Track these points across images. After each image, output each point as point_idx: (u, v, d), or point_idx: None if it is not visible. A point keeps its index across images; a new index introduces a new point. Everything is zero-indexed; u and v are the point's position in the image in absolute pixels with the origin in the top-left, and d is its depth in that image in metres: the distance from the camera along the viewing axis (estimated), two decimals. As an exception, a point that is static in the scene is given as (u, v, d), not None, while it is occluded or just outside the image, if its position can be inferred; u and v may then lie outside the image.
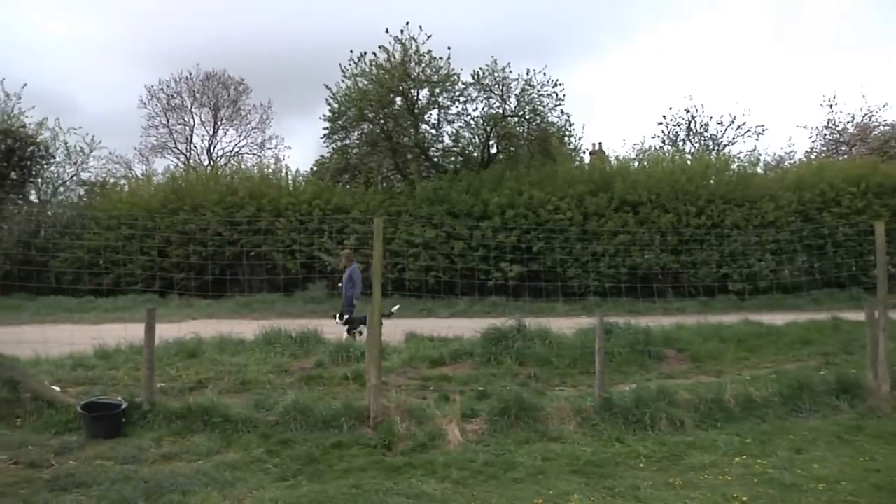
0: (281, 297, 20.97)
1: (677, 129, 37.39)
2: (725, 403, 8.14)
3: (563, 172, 24.54)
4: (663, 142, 36.89)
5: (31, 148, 26.69)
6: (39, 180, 27.87)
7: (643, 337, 11.38)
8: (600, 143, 31.80)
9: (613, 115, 69.76)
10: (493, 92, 24.88)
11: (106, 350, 11.18)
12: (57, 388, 8.17)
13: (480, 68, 24.62)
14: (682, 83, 69.54)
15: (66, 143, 28.41)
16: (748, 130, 36.59)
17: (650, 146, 34.68)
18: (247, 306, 19.95)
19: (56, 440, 7.03)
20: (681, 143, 36.75)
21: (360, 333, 12.69)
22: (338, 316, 13.55)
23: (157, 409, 7.63)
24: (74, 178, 29.15)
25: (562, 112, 25.87)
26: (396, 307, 14.37)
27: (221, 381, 9.40)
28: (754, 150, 36.57)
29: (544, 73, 24.87)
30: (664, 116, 38.09)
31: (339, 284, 15.08)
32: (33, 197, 28.15)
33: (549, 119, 25.83)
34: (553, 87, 24.99)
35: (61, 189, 28.86)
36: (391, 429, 7.18)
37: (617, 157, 29.69)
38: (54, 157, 28.04)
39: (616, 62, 69.43)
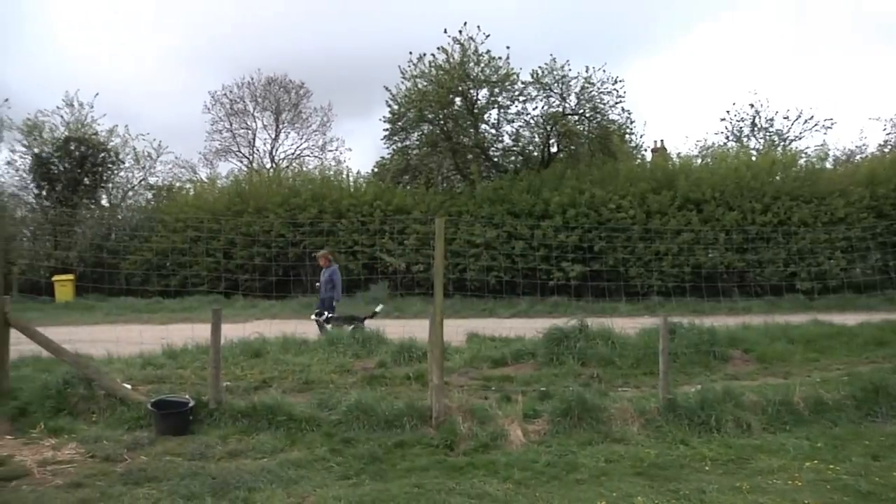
0: (343, 298, 21.17)
1: (741, 124, 36.50)
2: (794, 406, 7.91)
3: (625, 170, 24.30)
4: (727, 138, 36.08)
5: (103, 154, 27.67)
6: (110, 185, 28.80)
7: (708, 337, 11.13)
8: (662, 141, 31.56)
9: (674, 113, 68.70)
10: (552, 90, 24.75)
11: (174, 349, 11.42)
12: (128, 386, 8.41)
13: (539, 67, 24.57)
14: (745, 78, 67.99)
15: (134, 149, 29.42)
16: (816, 125, 35.40)
17: (713, 143, 33.99)
18: (309, 307, 20.06)
19: (128, 436, 7.23)
20: (745, 139, 35.83)
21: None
22: (315, 314, 13.97)
23: (223, 407, 7.77)
24: (142, 182, 30.12)
25: (622, 109, 25.59)
26: (380, 307, 14.56)
27: (285, 381, 9.51)
28: (823, 144, 35.21)
29: (604, 70, 24.72)
30: (727, 112, 37.17)
31: (317, 284, 14.98)
32: (104, 201, 29.11)
33: (610, 117, 25.57)
34: (613, 84, 24.79)
35: (130, 193, 29.82)
36: (453, 429, 7.19)
37: (679, 155, 29.24)
38: (124, 163, 29.03)
39: (673, 58, 68.33)
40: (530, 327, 12.28)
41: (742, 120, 36.49)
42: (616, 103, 25.11)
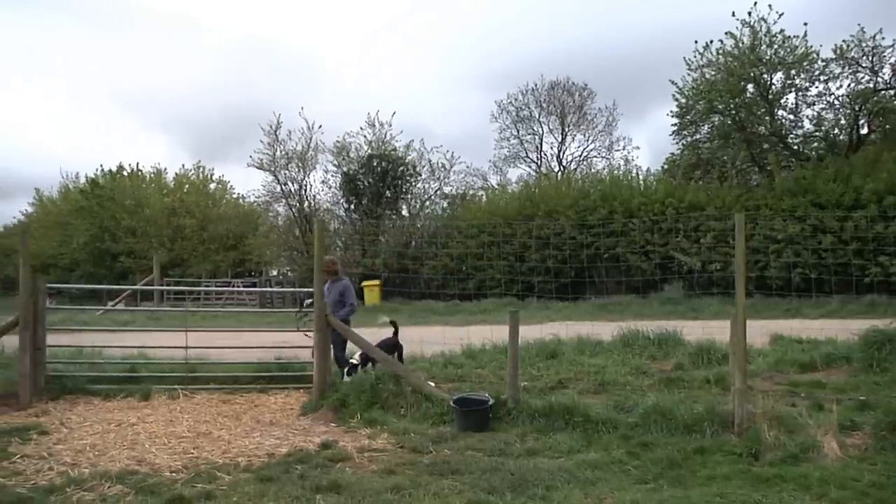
0: (636, 299, 20.97)
1: None
2: None
3: (961, 147, 21.43)
4: None
5: (401, 168, 30.04)
6: (409, 196, 31.17)
7: None
8: None
9: None
10: (860, 65, 22.73)
11: (472, 349, 12.09)
12: (432, 384, 9.05)
13: (844, 41, 22.64)
14: None
15: (429, 162, 31.51)
16: None
17: None
18: (602, 308, 20.22)
19: (433, 430, 7.75)
20: None
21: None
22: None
23: (520, 406, 8.02)
24: (438, 192, 32.20)
25: (958, 74, 22.65)
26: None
27: (581, 382, 9.63)
28: None
29: (929, 32, 22.08)
30: None
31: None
32: (404, 211, 31.54)
33: (938, 85, 22.79)
34: (944, 45, 22.06)
35: (427, 203, 31.98)
36: (758, 437, 6.79)
37: None
38: (420, 175, 31.29)
39: None
40: (842, 329, 11.29)
41: None
42: (949, 68, 22.36)
